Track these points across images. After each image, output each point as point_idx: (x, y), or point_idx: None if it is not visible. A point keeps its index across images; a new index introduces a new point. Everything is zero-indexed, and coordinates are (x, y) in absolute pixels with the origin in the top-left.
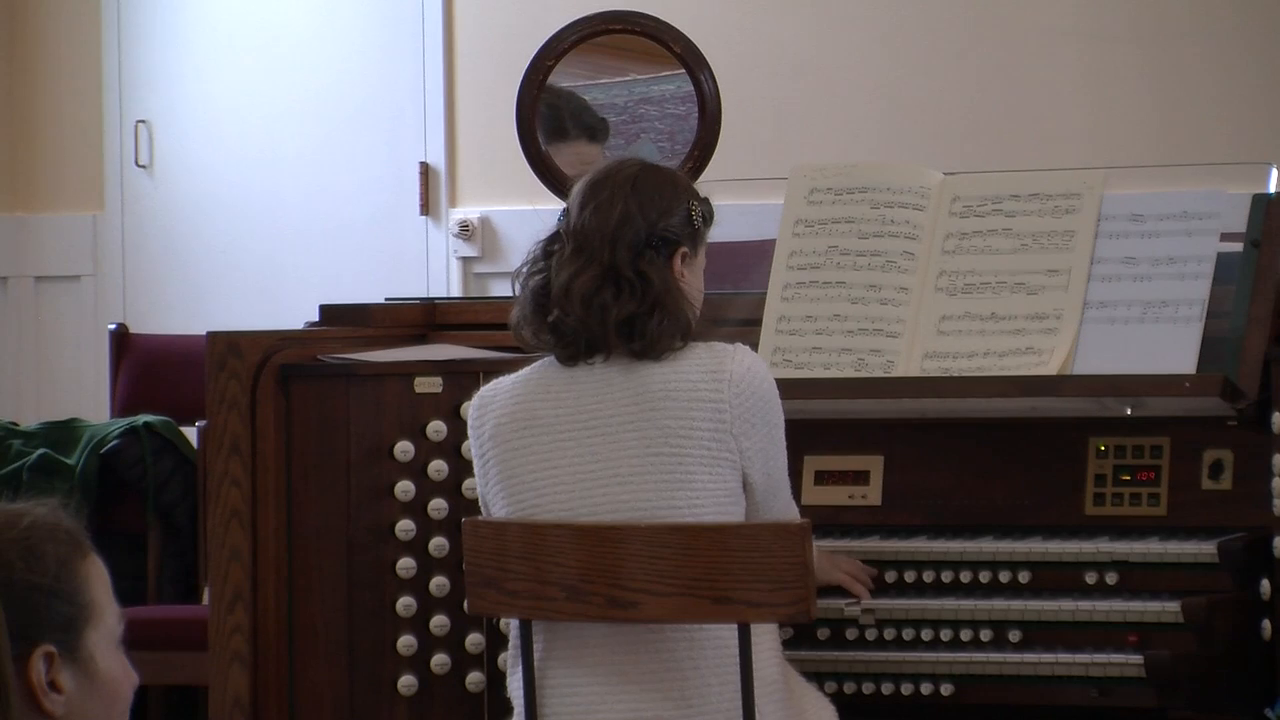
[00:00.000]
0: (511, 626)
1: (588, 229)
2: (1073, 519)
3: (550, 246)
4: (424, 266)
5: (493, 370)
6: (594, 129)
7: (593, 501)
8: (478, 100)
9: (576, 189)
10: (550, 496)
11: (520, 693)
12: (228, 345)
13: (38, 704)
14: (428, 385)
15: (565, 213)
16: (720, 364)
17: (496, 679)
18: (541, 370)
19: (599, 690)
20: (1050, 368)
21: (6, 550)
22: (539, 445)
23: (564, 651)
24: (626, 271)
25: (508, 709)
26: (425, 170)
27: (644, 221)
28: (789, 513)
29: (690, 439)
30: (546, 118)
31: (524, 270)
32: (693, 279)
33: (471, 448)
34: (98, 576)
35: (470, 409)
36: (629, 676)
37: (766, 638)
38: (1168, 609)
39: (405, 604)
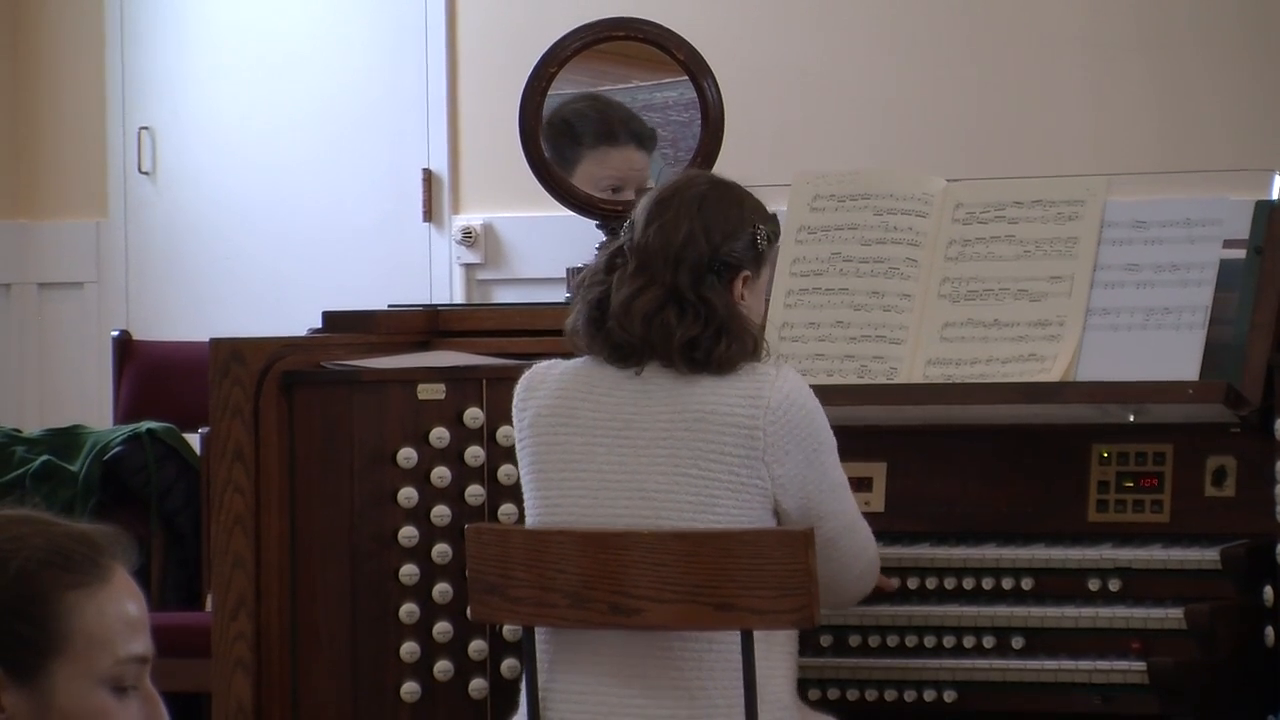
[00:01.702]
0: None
1: (651, 248)
2: (1076, 526)
3: (614, 260)
4: (427, 273)
5: (496, 377)
6: (643, 137)
7: (613, 511)
8: (481, 107)
9: (643, 204)
10: (574, 498)
11: (524, 698)
12: (231, 352)
13: None
14: (431, 392)
15: (629, 226)
16: (759, 389)
17: (499, 686)
18: (590, 366)
19: (608, 697)
20: (1053, 374)
21: None
22: (572, 444)
23: (573, 657)
24: (688, 295)
25: None
26: (428, 177)
27: (707, 245)
28: (847, 538)
29: (720, 463)
30: (595, 120)
31: (584, 281)
32: (753, 301)
33: (513, 422)
34: (97, 613)
35: (518, 386)
36: (639, 684)
37: (779, 652)
38: (1171, 616)
39: (408, 610)
